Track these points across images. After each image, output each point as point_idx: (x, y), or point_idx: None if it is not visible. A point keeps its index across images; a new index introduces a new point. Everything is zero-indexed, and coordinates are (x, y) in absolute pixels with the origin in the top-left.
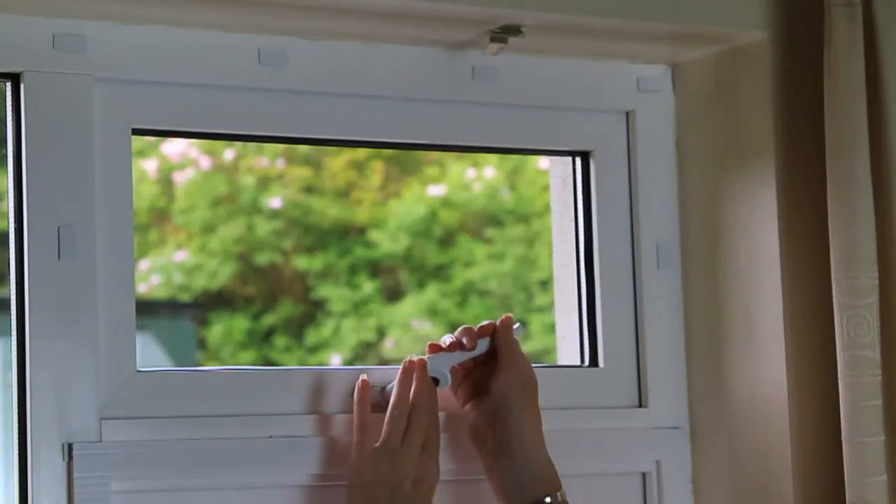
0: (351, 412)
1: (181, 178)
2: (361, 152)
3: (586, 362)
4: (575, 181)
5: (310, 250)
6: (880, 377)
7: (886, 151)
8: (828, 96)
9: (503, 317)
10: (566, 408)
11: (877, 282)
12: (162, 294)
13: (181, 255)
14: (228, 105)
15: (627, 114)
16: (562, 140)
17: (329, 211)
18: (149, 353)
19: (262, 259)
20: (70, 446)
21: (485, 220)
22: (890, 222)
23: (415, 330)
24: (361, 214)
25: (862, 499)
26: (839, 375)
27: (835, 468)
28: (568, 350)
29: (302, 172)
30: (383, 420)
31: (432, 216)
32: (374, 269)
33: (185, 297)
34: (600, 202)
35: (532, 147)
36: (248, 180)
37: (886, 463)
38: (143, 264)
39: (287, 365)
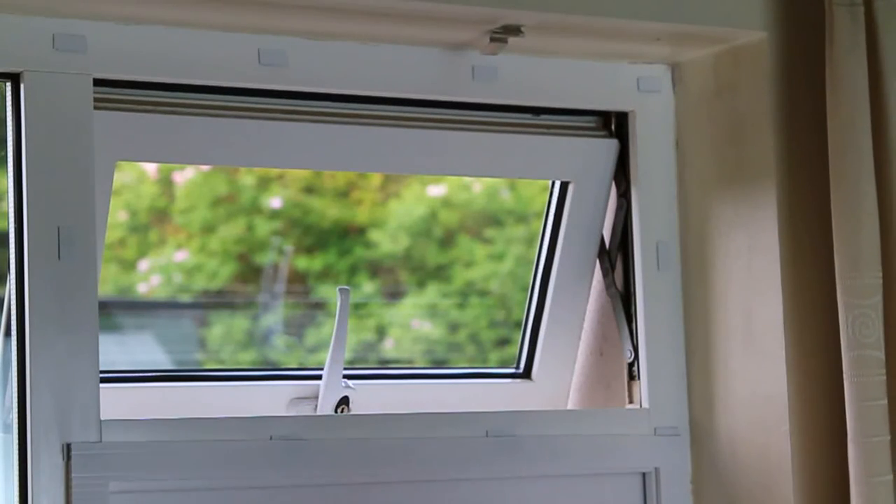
0: None
1: (181, 178)
2: None
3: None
4: (549, 206)
5: (309, 250)
6: (885, 377)
7: (889, 150)
8: (830, 97)
9: None
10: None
11: (881, 281)
12: (162, 294)
13: (181, 255)
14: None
15: (612, 135)
16: (542, 169)
17: (329, 211)
18: (149, 354)
19: (263, 259)
20: (69, 446)
21: (485, 220)
22: (894, 221)
23: (415, 330)
24: (361, 214)
25: (868, 498)
26: (844, 375)
27: (835, 469)
28: None
29: (302, 172)
30: None
31: (432, 216)
32: (374, 269)
33: (185, 297)
34: (570, 224)
35: (517, 174)
36: (248, 180)
37: (892, 463)
38: (143, 264)
39: (288, 365)
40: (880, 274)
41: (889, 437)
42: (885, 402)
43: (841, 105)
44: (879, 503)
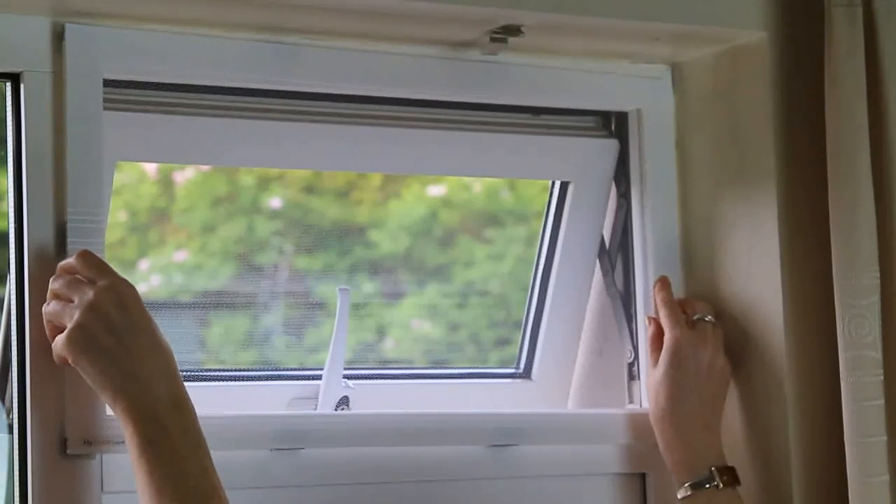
0: None
1: (181, 178)
2: None
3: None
4: (549, 206)
5: (309, 250)
6: (882, 377)
7: (887, 151)
8: (828, 97)
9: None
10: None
11: (878, 282)
12: (162, 294)
13: (181, 255)
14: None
15: (614, 135)
16: (542, 169)
17: (329, 211)
18: None
19: (263, 259)
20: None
21: (485, 220)
22: (891, 222)
23: (415, 330)
24: (361, 214)
25: (864, 499)
26: (841, 376)
27: (837, 469)
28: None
29: (302, 172)
30: None
31: (432, 216)
32: (374, 269)
33: (185, 298)
34: (570, 224)
35: (517, 174)
36: (248, 180)
37: (889, 463)
38: (143, 264)
39: (288, 365)
40: (878, 274)
41: (886, 438)
42: (881, 402)
43: (839, 105)
44: (876, 503)
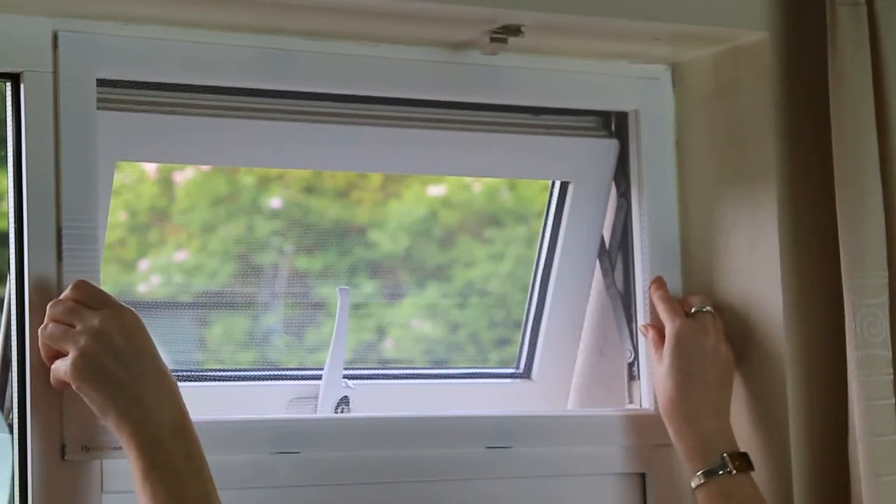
0: None
1: (181, 178)
2: None
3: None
4: (549, 206)
5: (309, 250)
6: (892, 376)
7: (893, 150)
8: (833, 96)
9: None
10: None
11: (887, 280)
12: (162, 294)
13: (181, 255)
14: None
15: (611, 135)
16: (542, 169)
17: (329, 211)
18: None
19: (263, 259)
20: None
21: (485, 220)
22: None
23: (415, 330)
24: (361, 214)
25: (875, 498)
26: (851, 375)
27: (837, 469)
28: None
29: (302, 172)
30: None
31: (432, 216)
32: (374, 269)
33: (185, 298)
34: (570, 224)
35: (517, 174)
36: (248, 180)
37: None
38: (143, 264)
39: (288, 364)
40: (886, 273)
41: None
42: (892, 401)
43: (845, 105)
44: (887, 502)
